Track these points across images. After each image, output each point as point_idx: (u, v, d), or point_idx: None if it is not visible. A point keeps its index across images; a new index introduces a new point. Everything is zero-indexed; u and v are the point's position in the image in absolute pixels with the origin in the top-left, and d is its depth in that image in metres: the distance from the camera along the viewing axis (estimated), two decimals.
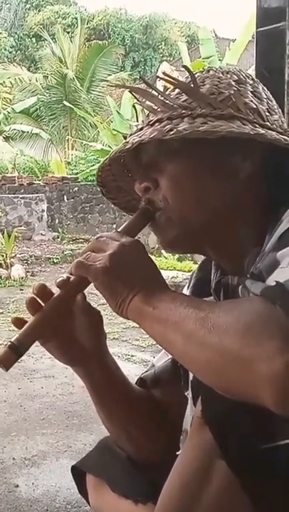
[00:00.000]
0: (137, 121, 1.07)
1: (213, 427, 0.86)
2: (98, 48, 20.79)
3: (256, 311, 0.80)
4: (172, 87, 1.03)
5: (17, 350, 0.99)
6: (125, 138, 1.05)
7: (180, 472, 0.91)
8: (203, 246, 1.06)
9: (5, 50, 29.70)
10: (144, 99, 1.03)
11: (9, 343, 0.99)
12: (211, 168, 1.00)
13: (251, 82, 1.05)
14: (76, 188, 13.15)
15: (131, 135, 1.04)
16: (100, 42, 22.44)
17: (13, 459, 3.20)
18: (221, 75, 1.03)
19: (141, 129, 1.02)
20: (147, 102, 1.03)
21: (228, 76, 1.03)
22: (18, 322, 1.04)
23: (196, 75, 1.02)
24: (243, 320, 0.80)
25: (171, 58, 25.94)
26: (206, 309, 0.85)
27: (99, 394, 1.18)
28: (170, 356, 1.20)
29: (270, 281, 0.83)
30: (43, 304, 1.03)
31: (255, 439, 0.83)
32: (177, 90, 1.02)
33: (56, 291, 1.04)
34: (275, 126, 1.01)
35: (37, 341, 1.05)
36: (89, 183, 13.04)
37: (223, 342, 0.80)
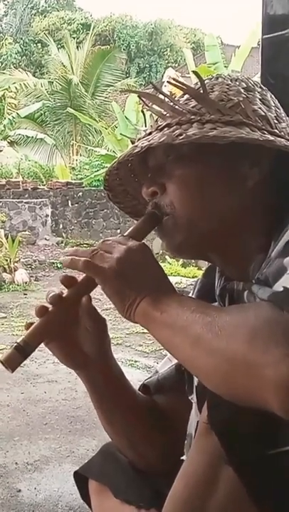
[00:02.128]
0: (145, 126, 1.07)
1: (219, 432, 0.85)
2: (102, 54, 20.87)
3: (263, 316, 0.81)
4: (181, 92, 1.03)
5: (23, 351, 0.99)
6: (133, 142, 1.05)
7: (186, 478, 0.91)
8: (209, 251, 1.06)
9: (10, 56, 29.76)
10: (152, 104, 1.04)
11: (15, 344, 0.99)
12: (218, 174, 1.00)
13: (259, 89, 1.06)
14: (80, 193, 13.18)
15: (139, 139, 1.04)
16: (103, 47, 22.51)
17: (16, 463, 3.20)
18: (230, 82, 1.04)
19: (149, 133, 1.02)
20: (156, 107, 1.03)
21: (237, 83, 1.04)
22: (30, 326, 1.04)
23: (205, 82, 1.02)
24: (251, 325, 0.80)
25: (177, 64, 26.02)
26: (213, 314, 0.85)
27: (101, 399, 1.18)
28: (174, 363, 1.20)
29: (278, 286, 0.84)
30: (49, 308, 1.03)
31: (262, 445, 0.83)
32: (186, 96, 1.03)
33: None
34: (283, 133, 1.01)
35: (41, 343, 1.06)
36: (93, 188, 13.07)
37: (230, 347, 0.80)
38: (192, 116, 0.98)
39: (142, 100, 1.05)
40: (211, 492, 0.86)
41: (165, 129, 0.99)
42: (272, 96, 1.07)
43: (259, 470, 0.84)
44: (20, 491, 2.91)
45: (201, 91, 1.00)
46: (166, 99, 1.02)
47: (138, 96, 1.07)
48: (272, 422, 0.78)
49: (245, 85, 1.04)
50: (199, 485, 0.88)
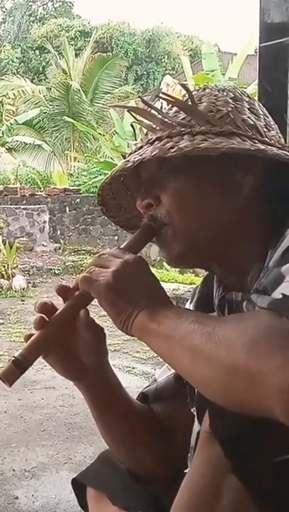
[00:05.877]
0: (135, 139, 1.08)
1: (223, 441, 0.85)
2: (102, 61, 20.92)
3: (263, 323, 0.81)
4: (170, 105, 1.04)
5: (21, 366, 0.98)
6: (124, 157, 1.05)
7: (190, 488, 0.91)
8: (208, 260, 1.07)
9: (10, 63, 29.79)
10: (142, 118, 1.04)
11: (13, 358, 0.99)
12: (213, 183, 1.00)
13: (247, 99, 1.06)
14: (78, 200, 13.18)
15: (130, 154, 1.04)
16: (104, 54, 22.58)
17: (13, 470, 3.20)
18: (217, 93, 1.04)
19: (140, 147, 1.03)
20: (146, 121, 1.03)
21: (224, 94, 1.04)
22: (29, 338, 1.03)
23: (193, 93, 1.02)
24: (251, 333, 0.80)
25: (174, 72, 26.06)
26: (211, 324, 0.85)
27: (98, 409, 1.18)
28: (172, 371, 1.19)
29: (277, 294, 0.84)
30: (48, 320, 1.03)
31: (265, 453, 0.83)
32: (175, 108, 1.03)
33: (57, 303, 1.05)
34: (273, 141, 1.02)
35: None
36: (91, 194, 13.06)
37: (231, 356, 0.80)
38: (182, 129, 0.99)
39: (132, 115, 1.05)
40: (215, 501, 0.86)
41: (156, 142, 1.00)
42: (260, 105, 1.08)
43: (263, 478, 0.83)
44: (17, 498, 2.91)
45: (190, 103, 1.00)
46: (156, 113, 1.02)
47: (127, 111, 1.07)
48: (275, 430, 0.78)
49: (232, 95, 1.05)
50: (204, 495, 0.88)
